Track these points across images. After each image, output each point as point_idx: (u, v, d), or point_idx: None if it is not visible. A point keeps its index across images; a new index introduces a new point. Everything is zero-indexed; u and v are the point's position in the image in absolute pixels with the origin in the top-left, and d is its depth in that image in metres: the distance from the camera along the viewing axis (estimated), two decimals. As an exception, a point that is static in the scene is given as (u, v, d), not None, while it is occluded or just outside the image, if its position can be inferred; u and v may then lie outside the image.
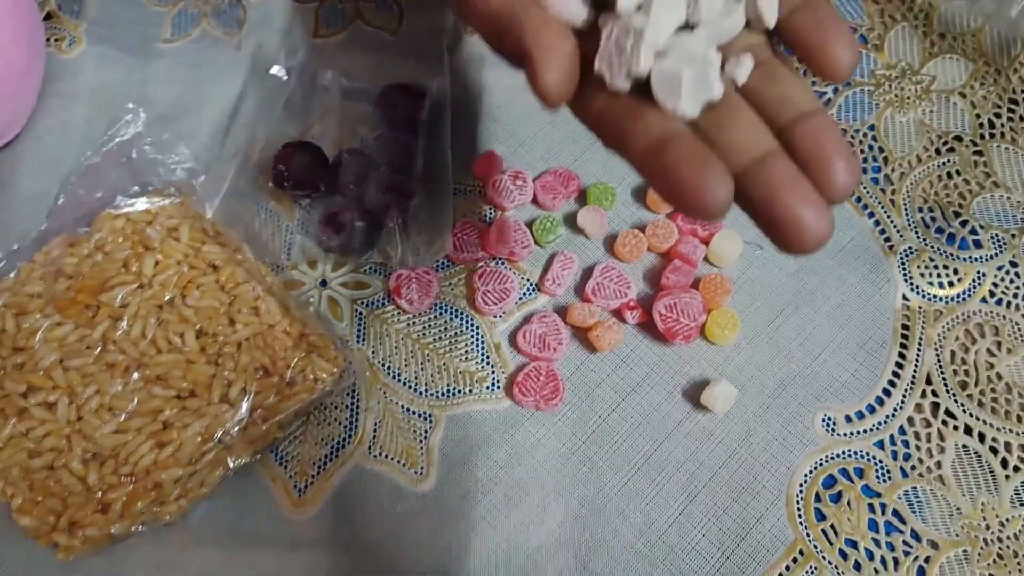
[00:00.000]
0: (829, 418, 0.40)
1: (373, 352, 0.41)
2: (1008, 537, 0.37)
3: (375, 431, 0.40)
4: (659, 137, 0.24)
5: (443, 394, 0.41)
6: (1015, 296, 0.42)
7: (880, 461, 0.39)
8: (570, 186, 0.44)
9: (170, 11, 0.50)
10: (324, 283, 0.43)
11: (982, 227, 0.43)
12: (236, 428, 0.37)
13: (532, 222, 0.43)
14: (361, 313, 0.42)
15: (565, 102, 0.25)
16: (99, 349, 0.38)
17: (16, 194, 0.44)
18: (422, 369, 0.41)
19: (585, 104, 0.26)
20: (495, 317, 0.42)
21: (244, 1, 0.50)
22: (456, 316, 0.42)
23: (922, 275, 0.42)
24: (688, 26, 0.26)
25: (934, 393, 0.40)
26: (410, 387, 0.41)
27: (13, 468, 0.36)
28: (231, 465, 0.38)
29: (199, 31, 0.50)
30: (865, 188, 0.45)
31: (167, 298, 0.40)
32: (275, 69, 0.44)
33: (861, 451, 0.39)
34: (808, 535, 0.37)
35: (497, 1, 0.27)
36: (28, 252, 0.41)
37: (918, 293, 0.42)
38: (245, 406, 0.38)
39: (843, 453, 0.39)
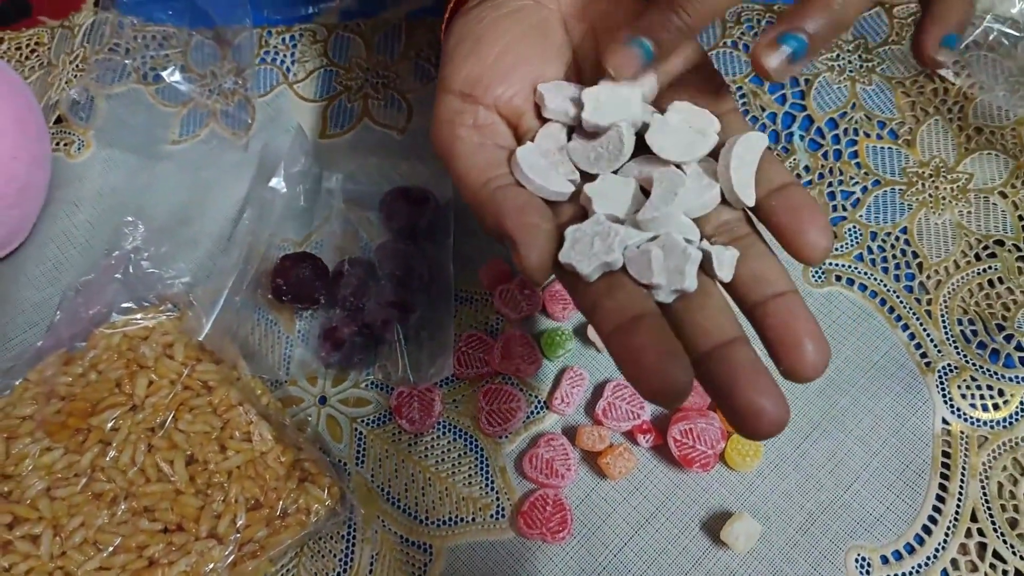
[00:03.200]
0: (863, 558, 0.36)
1: (372, 475, 0.39)
2: None
3: (372, 564, 0.37)
4: (628, 317, 0.24)
5: (444, 523, 0.38)
6: (1069, 421, 0.38)
7: (921, 610, 0.35)
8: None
9: (179, 111, 0.50)
10: (323, 400, 0.41)
11: (1029, 342, 0.40)
12: (224, 565, 0.36)
13: (541, 334, 0.41)
14: (361, 433, 0.40)
15: (546, 277, 0.26)
16: (87, 477, 0.37)
17: (17, 304, 0.44)
18: (423, 495, 0.39)
19: (560, 270, 0.27)
20: (500, 438, 0.40)
21: (252, 101, 0.50)
22: (460, 436, 0.40)
23: (963, 396, 0.39)
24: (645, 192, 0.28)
25: (980, 532, 0.36)
26: (409, 514, 0.38)
27: (-7, 608, 0.35)
28: (219, 604, 0.36)
29: (207, 131, 0.49)
30: (898, 297, 0.42)
31: (159, 421, 0.38)
32: (274, 181, 0.43)
33: (899, 597, 0.35)
34: None
35: (472, 179, 0.29)
36: (23, 369, 0.40)
37: (959, 416, 0.39)
38: (234, 541, 0.36)
39: (879, 599, 0.35)
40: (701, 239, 0.27)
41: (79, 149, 0.49)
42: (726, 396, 0.23)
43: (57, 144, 0.49)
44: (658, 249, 0.25)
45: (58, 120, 0.50)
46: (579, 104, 0.29)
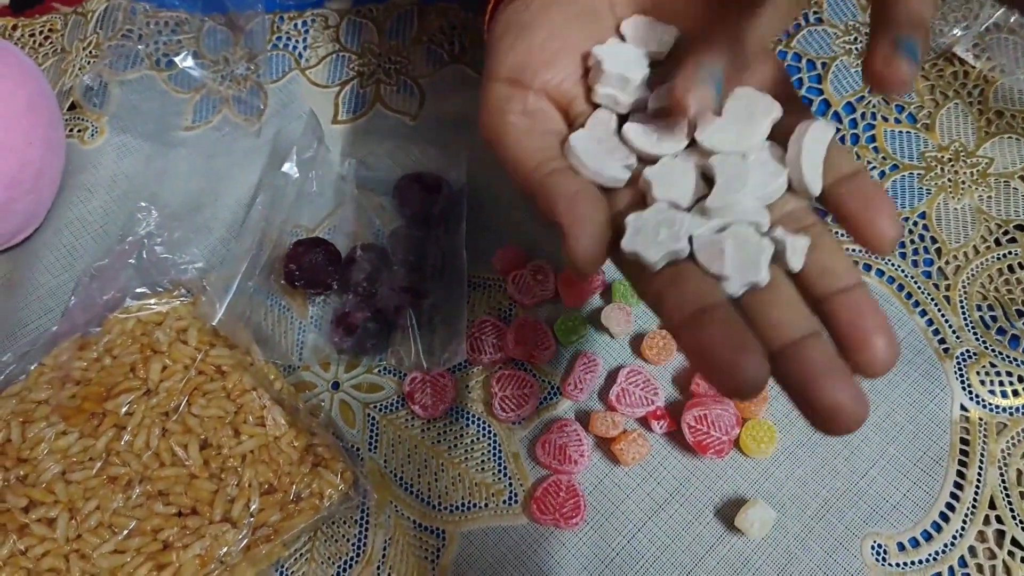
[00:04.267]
0: (879, 545, 0.36)
1: (385, 461, 0.39)
2: None
3: (385, 549, 0.38)
4: (696, 309, 0.23)
5: (457, 508, 0.38)
6: (1090, 408, 0.38)
7: (938, 597, 0.35)
8: (594, 281, 0.42)
9: (192, 97, 0.50)
10: (336, 385, 0.41)
11: (1050, 328, 0.39)
12: (238, 548, 0.36)
13: (554, 320, 0.41)
14: (374, 418, 0.40)
15: (597, 268, 0.26)
16: (102, 461, 0.37)
17: (33, 290, 0.44)
18: (435, 480, 0.39)
19: (620, 258, 0.26)
20: (514, 424, 0.40)
21: (265, 86, 0.50)
22: (472, 422, 0.40)
23: (982, 382, 0.39)
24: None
25: (999, 519, 0.36)
26: (422, 500, 0.38)
27: (11, 590, 0.35)
28: (233, 587, 0.36)
29: (220, 118, 0.49)
30: (916, 283, 0.41)
31: (173, 405, 0.38)
32: (287, 167, 0.43)
33: (916, 585, 0.35)
34: None
35: (524, 165, 0.28)
36: (38, 354, 0.40)
37: (978, 403, 0.38)
38: (248, 525, 0.36)
39: (895, 586, 0.35)
40: (771, 227, 0.26)
41: (93, 135, 0.49)
42: (804, 394, 0.22)
43: (71, 130, 0.49)
44: (730, 238, 0.25)
45: (72, 106, 0.50)
46: (633, 88, 0.29)
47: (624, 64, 0.29)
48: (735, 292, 0.24)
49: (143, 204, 0.43)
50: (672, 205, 0.26)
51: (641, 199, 0.27)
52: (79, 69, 0.50)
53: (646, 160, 0.28)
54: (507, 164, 0.29)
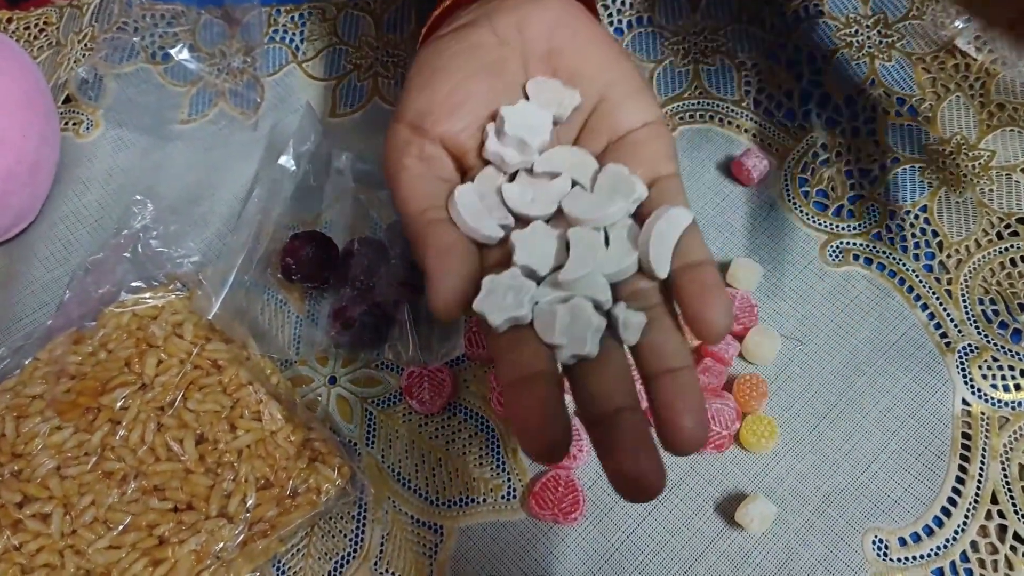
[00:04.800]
0: (880, 540, 0.36)
1: (383, 456, 0.39)
2: None
3: (382, 545, 0.37)
4: (525, 374, 0.26)
5: (455, 503, 0.38)
6: (1093, 402, 0.37)
7: (940, 592, 0.35)
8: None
9: (188, 91, 0.50)
10: (333, 380, 0.41)
11: (1052, 322, 0.39)
12: (235, 544, 0.35)
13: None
14: (371, 413, 0.40)
15: (455, 317, 0.28)
16: (97, 456, 0.37)
17: (27, 284, 0.44)
18: (433, 475, 0.39)
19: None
20: None
21: (261, 80, 0.49)
22: (471, 417, 0.40)
23: (984, 376, 0.38)
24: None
25: (1001, 514, 0.36)
26: (420, 495, 0.38)
27: (5, 585, 0.35)
28: (229, 582, 0.36)
29: (216, 111, 0.49)
30: (917, 277, 0.41)
31: (168, 400, 0.38)
32: (283, 160, 0.42)
33: (918, 580, 0.35)
34: None
35: (410, 208, 0.29)
36: (33, 348, 0.40)
37: (980, 397, 0.38)
38: (244, 520, 0.36)
39: (897, 582, 0.35)
40: (615, 302, 0.27)
41: (88, 128, 0.48)
42: (609, 460, 0.24)
43: (66, 124, 0.48)
44: (565, 311, 0.26)
45: (67, 100, 0.49)
46: (530, 151, 0.30)
47: (527, 128, 0.30)
48: (565, 361, 0.26)
49: (139, 197, 0.43)
50: (528, 271, 0.28)
51: (509, 258, 0.28)
52: (74, 62, 0.50)
53: (522, 221, 0.29)
54: (398, 205, 0.30)
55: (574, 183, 0.30)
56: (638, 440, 0.24)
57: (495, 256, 0.29)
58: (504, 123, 0.30)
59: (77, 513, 0.36)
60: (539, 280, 0.28)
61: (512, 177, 0.31)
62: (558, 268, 0.28)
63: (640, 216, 0.29)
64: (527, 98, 0.31)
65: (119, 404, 0.38)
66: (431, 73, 0.32)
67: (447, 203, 0.30)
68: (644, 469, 0.24)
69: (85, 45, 0.51)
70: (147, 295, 0.41)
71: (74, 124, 0.49)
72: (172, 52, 0.49)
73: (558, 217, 0.29)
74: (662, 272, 0.27)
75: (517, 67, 0.32)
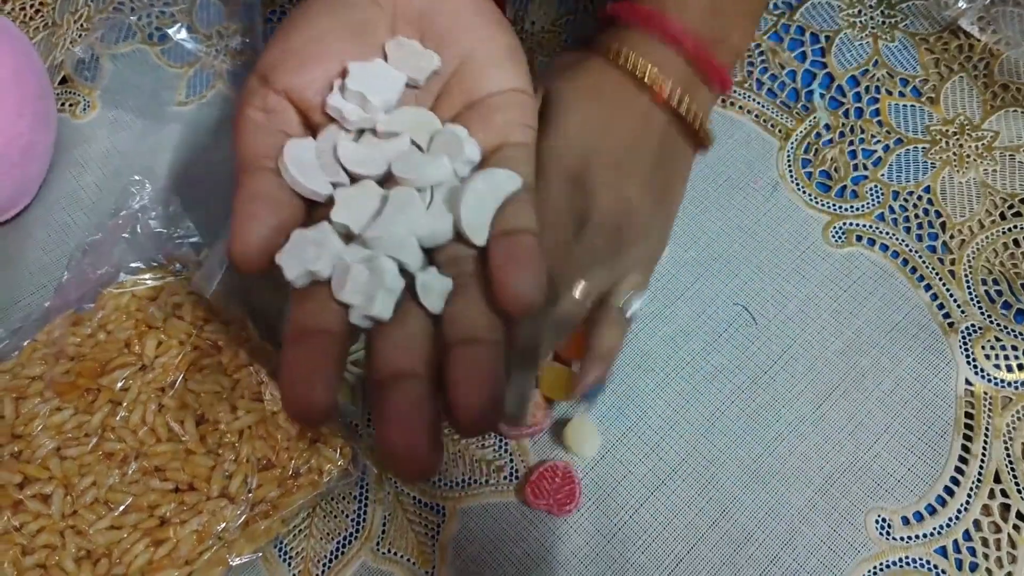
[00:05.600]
0: (883, 519, 0.36)
1: (384, 437, 0.39)
2: (1094, 665, 0.33)
3: (384, 525, 0.37)
4: (304, 327, 0.24)
5: (457, 484, 0.38)
6: (1095, 381, 0.37)
7: (943, 571, 0.35)
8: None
9: (186, 72, 0.49)
10: (334, 361, 0.41)
11: (1055, 302, 0.39)
12: (236, 524, 0.35)
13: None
14: (372, 394, 0.40)
15: (253, 271, 0.25)
16: (97, 437, 0.37)
17: (25, 266, 0.43)
18: (435, 456, 0.38)
19: None
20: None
21: (260, 60, 0.49)
22: (472, 398, 0.39)
23: (987, 356, 0.38)
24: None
25: (1003, 493, 0.36)
26: (422, 476, 0.38)
27: (5, 566, 0.34)
28: (231, 563, 0.36)
29: (214, 92, 0.48)
30: (921, 257, 0.41)
31: (168, 381, 0.38)
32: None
33: (920, 559, 0.35)
34: (861, 656, 0.34)
35: (241, 156, 0.28)
36: (31, 330, 0.40)
37: (983, 377, 0.38)
38: (246, 501, 0.35)
39: (900, 560, 0.35)
40: (426, 267, 0.26)
41: (85, 109, 0.48)
42: (380, 430, 0.22)
43: (62, 105, 0.48)
44: (362, 269, 0.25)
45: (63, 81, 0.49)
46: (371, 108, 0.28)
47: (373, 86, 0.28)
48: (357, 322, 0.25)
49: (137, 178, 0.42)
50: (342, 228, 0.26)
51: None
52: (70, 43, 0.49)
53: (354, 179, 0.28)
54: (235, 155, 0.28)
55: (413, 143, 0.28)
56: (411, 409, 0.22)
57: (321, 215, 0.27)
58: (349, 78, 0.28)
59: (78, 494, 0.35)
60: (352, 240, 0.26)
61: (359, 137, 0.29)
62: None
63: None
64: (385, 59, 0.30)
65: (119, 385, 0.38)
66: (292, 27, 0.30)
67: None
68: (409, 443, 0.22)
69: (81, 25, 0.50)
70: (146, 276, 0.40)
71: (70, 105, 0.48)
72: (170, 32, 0.48)
73: (391, 181, 0.28)
74: (478, 238, 0.26)
75: (384, 28, 0.31)
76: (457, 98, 0.30)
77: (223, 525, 0.35)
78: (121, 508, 0.35)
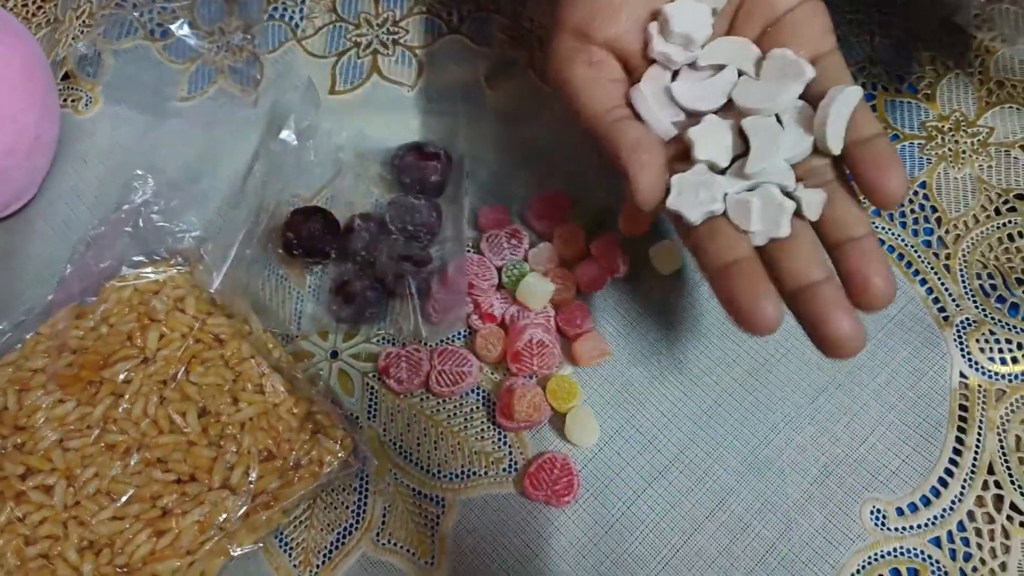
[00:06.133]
0: (878, 510, 0.36)
1: (384, 430, 0.39)
2: (1086, 654, 0.33)
3: (384, 516, 0.37)
4: (728, 260, 0.28)
5: (456, 476, 0.38)
6: (1088, 374, 0.38)
7: (937, 561, 0.35)
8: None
9: (187, 68, 0.49)
10: (335, 354, 0.41)
11: (1049, 296, 0.39)
12: (237, 515, 0.36)
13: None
14: (373, 387, 0.40)
15: (658, 210, 0.30)
16: (99, 429, 0.37)
17: (27, 260, 0.44)
18: (435, 448, 0.39)
19: (669, 213, 0.30)
20: (447, 400, 0.40)
21: (261, 57, 0.49)
22: (472, 391, 0.40)
23: (982, 350, 0.39)
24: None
25: (997, 484, 0.36)
26: (422, 468, 0.38)
27: (8, 556, 0.35)
28: (233, 554, 0.36)
29: (215, 88, 0.49)
30: (916, 252, 0.41)
31: (171, 373, 0.38)
32: (284, 134, 0.42)
33: (915, 549, 0.35)
34: (856, 645, 0.34)
35: (591, 111, 0.31)
36: (34, 323, 0.40)
37: (977, 370, 0.38)
38: (247, 492, 0.36)
39: (894, 551, 0.35)
40: (795, 184, 0.29)
41: (87, 105, 0.48)
42: (815, 327, 0.27)
43: (65, 100, 0.48)
44: (757, 200, 0.28)
45: (65, 76, 0.49)
46: (695, 46, 0.31)
47: (691, 23, 0.31)
48: (760, 243, 0.29)
49: (139, 172, 0.42)
50: (710, 165, 0.30)
51: (686, 151, 0.30)
52: (72, 38, 0.50)
53: (691, 115, 0.31)
54: (575, 110, 0.32)
55: (740, 73, 0.31)
56: (838, 303, 0.26)
57: (669, 153, 0.31)
58: (668, 21, 0.31)
59: (80, 485, 0.36)
60: (721, 172, 0.30)
61: (675, 74, 0.32)
62: (737, 158, 0.30)
63: (808, 96, 0.30)
64: None
65: (121, 377, 0.38)
66: None
67: (625, 103, 0.32)
68: (849, 330, 0.26)
69: (83, 21, 0.50)
70: (148, 270, 0.41)
71: (73, 100, 0.48)
72: (172, 27, 0.49)
73: (727, 108, 0.31)
74: (836, 149, 0.28)
75: None
76: (757, 19, 0.32)
77: (224, 516, 0.35)
78: (123, 499, 0.36)
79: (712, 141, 0.30)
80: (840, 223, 0.28)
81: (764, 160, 0.29)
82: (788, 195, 0.29)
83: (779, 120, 0.30)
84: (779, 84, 0.29)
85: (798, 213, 0.28)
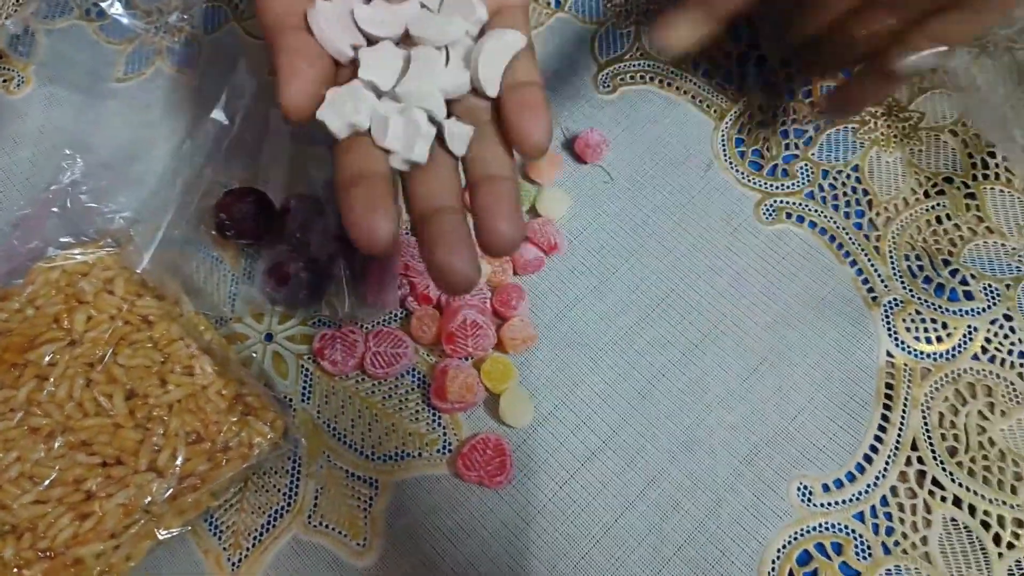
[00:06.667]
0: (805, 487, 0.37)
1: (318, 412, 0.39)
2: (1001, 624, 0.34)
3: (316, 498, 0.37)
4: (354, 172, 0.28)
5: (390, 458, 0.38)
6: (1009, 353, 0.38)
7: (860, 535, 0.36)
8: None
9: (125, 49, 0.49)
10: (269, 337, 0.41)
11: (974, 277, 0.40)
12: (164, 498, 0.35)
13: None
14: (307, 370, 0.40)
15: (305, 119, 0.28)
16: (23, 412, 0.36)
17: (-46, 242, 0.43)
18: (369, 430, 0.39)
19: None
20: (382, 382, 0.39)
21: (200, 37, 0.49)
22: (407, 373, 0.40)
23: (908, 329, 0.39)
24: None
25: (920, 460, 0.37)
26: (356, 450, 0.38)
27: (-74, 541, 0.34)
28: (160, 537, 0.35)
29: (153, 69, 0.48)
30: (847, 234, 0.42)
31: (97, 355, 0.37)
32: (216, 113, 0.42)
33: (839, 524, 0.36)
34: (780, 619, 0.34)
35: (268, 18, 0.30)
36: (-42, 306, 0.39)
37: (904, 349, 0.39)
38: (174, 474, 0.35)
39: (820, 526, 0.36)
40: (448, 116, 0.29)
41: (19, 85, 0.47)
42: (428, 254, 0.26)
43: (-5, 80, 0.47)
44: (398, 117, 0.28)
45: (-3, 56, 0.48)
46: None
47: None
48: (399, 167, 0.29)
49: (68, 152, 0.42)
50: (371, 85, 0.29)
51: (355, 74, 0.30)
52: (4, 17, 0.49)
53: (372, 42, 0.31)
54: (257, 15, 0.31)
55: (423, 6, 0.32)
56: (456, 236, 0.26)
57: (345, 75, 0.30)
58: None
59: (2, 468, 0.35)
60: (381, 95, 0.30)
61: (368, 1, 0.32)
62: None
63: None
64: None
65: (47, 360, 0.37)
66: None
67: (305, 16, 0.30)
68: (459, 261, 0.26)
69: (16, 0, 0.49)
70: (77, 251, 0.40)
71: (4, 81, 0.47)
72: (104, 5, 0.48)
73: (407, 41, 0.31)
74: (491, 90, 0.29)
75: None
76: None
77: (150, 499, 0.35)
78: (46, 483, 0.35)
79: (379, 64, 0.30)
80: (482, 161, 0.28)
81: (416, 82, 0.29)
82: (438, 125, 0.29)
83: (448, 56, 0.30)
84: (451, 18, 0.30)
85: (444, 145, 0.29)
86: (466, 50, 0.30)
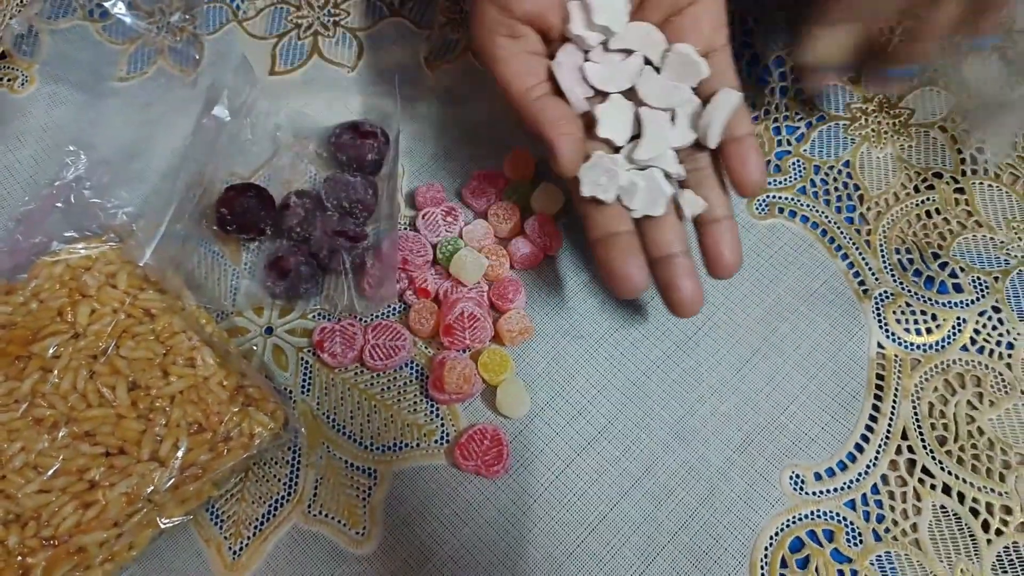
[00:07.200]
0: (797, 475, 0.37)
1: (318, 404, 0.40)
2: (990, 609, 0.34)
3: (316, 488, 0.38)
4: (607, 231, 0.34)
5: (389, 448, 0.39)
6: (998, 344, 0.39)
7: (851, 523, 0.36)
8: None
9: (127, 48, 0.49)
10: (270, 330, 0.41)
11: (963, 270, 0.41)
12: (166, 487, 0.36)
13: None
14: (307, 362, 0.40)
15: (575, 173, 0.34)
16: (27, 403, 0.37)
17: (-41, 238, 0.43)
18: (368, 422, 0.39)
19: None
20: (381, 374, 0.40)
21: (201, 38, 0.49)
22: (405, 365, 0.40)
23: (898, 321, 0.40)
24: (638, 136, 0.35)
25: (910, 449, 0.37)
26: (355, 441, 0.39)
27: (-68, 530, 0.34)
28: (162, 526, 0.36)
29: (155, 68, 0.49)
30: (839, 228, 0.42)
31: (101, 348, 0.38)
32: (217, 110, 0.42)
33: (831, 512, 0.36)
34: (773, 605, 0.35)
35: (515, 89, 0.35)
36: (-37, 300, 0.40)
37: (894, 341, 0.40)
38: (176, 464, 0.36)
39: (812, 514, 0.36)
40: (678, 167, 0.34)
41: (23, 84, 0.48)
42: (667, 289, 0.34)
43: (0, 79, 0.48)
44: (643, 183, 0.34)
45: (1, 55, 0.49)
46: (603, 31, 0.35)
47: (610, 16, 0.34)
48: (637, 216, 0.34)
49: (71, 148, 0.42)
50: (609, 143, 0.35)
51: (591, 124, 0.35)
52: (9, 17, 0.49)
53: (598, 93, 0.35)
54: (500, 82, 0.35)
55: (646, 60, 0.35)
56: (687, 274, 0.34)
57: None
58: (590, 10, 0.34)
59: (6, 459, 0.36)
60: (617, 149, 0.35)
61: (586, 52, 0.36)
62: (634, 138, 0.35)
63: (699, 91, 0.35)
64: None
65: (50, 352, 0.38)
66: None
67: (547, 78, 0.35)
68: (690, 293, 0.33)
69: (20, 1, 0.50)
70: (80, 246, 0.40)
71: (8, 80, 0.48)
72: (107, 5, 0.48)
73: (631, 91, 0.35)
74: (713, 145, 0.34)
75: None
76: (662, 8, 0.35)
77: (152, 488, 0.35)
78: (50, 472, 0.36)
79: (614, 120, 0.34)
80: (708, 206, 0.34)
81: (654, 150, 0.34)
82: (668, 177, 0.34)
83: (673, 113, 0.34)
84: (678, 83, 0.34)
85: (675, 205, 0.34)
86: (692, 108, 0.34)
